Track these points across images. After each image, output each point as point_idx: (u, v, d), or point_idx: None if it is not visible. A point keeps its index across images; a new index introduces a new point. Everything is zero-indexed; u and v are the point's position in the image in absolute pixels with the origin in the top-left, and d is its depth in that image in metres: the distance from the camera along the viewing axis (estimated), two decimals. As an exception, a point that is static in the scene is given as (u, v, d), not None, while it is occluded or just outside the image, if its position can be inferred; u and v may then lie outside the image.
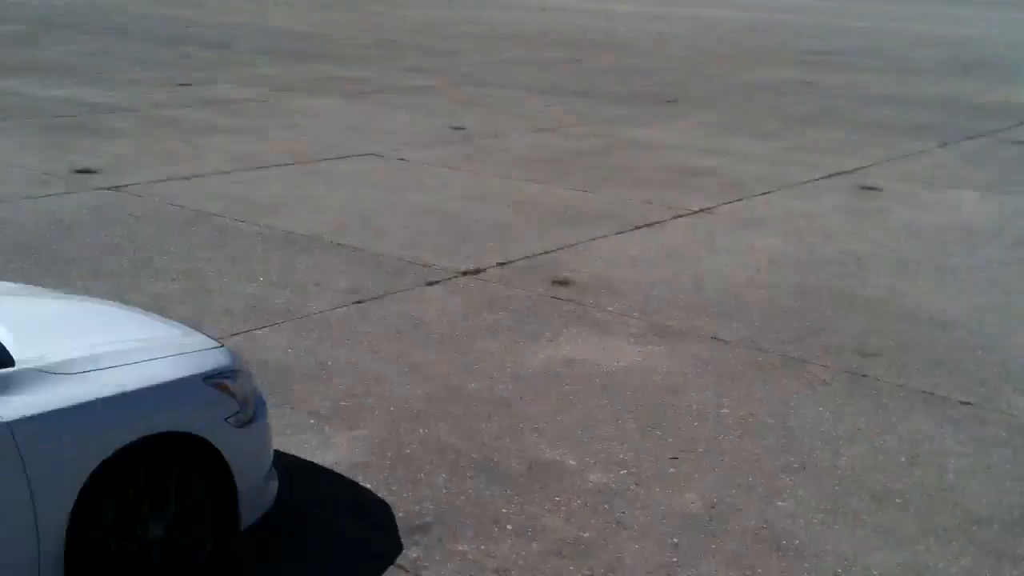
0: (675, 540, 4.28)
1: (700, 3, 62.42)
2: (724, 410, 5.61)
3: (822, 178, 12.18)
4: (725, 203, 10.70)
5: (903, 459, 5.16)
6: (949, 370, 6.36)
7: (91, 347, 3.50)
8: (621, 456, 5.01)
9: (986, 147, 15.36)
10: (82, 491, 3.18)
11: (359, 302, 7.06)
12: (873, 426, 5.52)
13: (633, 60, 25.67)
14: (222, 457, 3.59)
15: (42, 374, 3.17)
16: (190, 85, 16.92)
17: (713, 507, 4.57)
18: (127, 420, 3.31)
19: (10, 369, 3.14)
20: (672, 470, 4.89)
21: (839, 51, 30.40)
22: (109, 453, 3.22)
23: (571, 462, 4.92)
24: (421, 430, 5.19)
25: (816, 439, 5.32)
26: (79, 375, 3.28)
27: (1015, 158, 14.53)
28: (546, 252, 8.49)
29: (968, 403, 5.89)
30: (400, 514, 4.38)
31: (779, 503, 4.64)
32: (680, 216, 9.97)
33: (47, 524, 3.13)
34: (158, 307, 6.18)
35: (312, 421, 5.24)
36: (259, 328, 6.49)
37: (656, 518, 4.45)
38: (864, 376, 6.23)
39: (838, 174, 12.48)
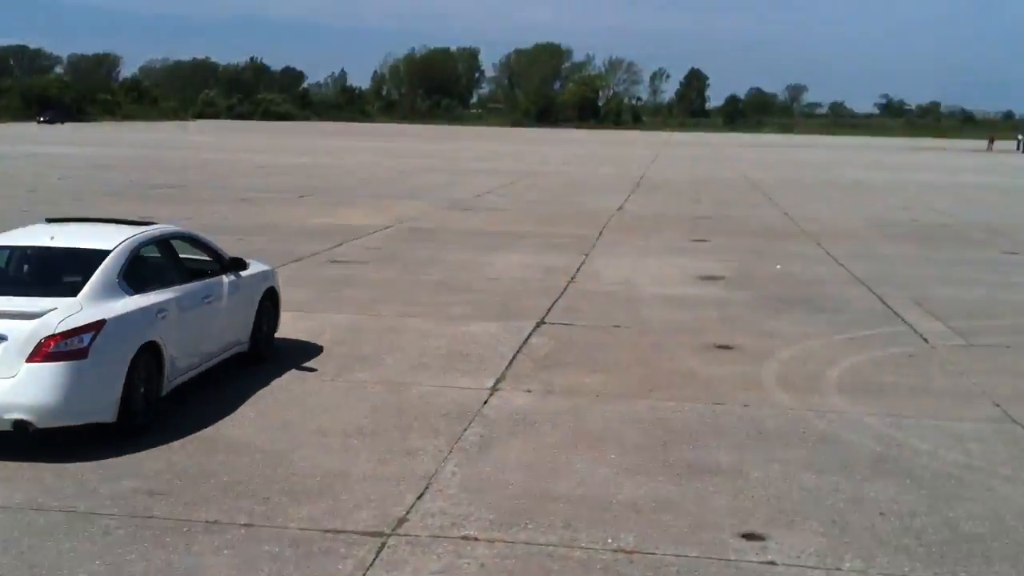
0: None
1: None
2: None
3: None
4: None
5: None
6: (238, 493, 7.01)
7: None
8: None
9: (307, 268, 16.79)
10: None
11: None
12: (152, 567, 5.87)
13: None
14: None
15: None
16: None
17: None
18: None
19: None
20: None
21: (182, 183, 33.90)
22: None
23: None
24: None
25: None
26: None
27: (330, 277, 16.07)
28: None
29: (249, 524, 6.48)
30: None
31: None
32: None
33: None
34: None
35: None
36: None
37: None
38: (150, 517, 6.52)
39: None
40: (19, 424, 7.25)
